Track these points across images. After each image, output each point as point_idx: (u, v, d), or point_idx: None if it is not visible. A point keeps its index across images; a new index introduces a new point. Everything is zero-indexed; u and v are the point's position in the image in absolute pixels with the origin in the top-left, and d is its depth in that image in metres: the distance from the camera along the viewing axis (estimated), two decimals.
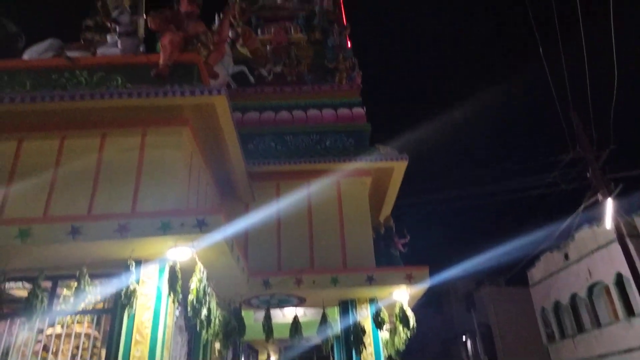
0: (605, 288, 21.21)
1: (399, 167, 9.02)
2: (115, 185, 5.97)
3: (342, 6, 13.78)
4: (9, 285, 5.69)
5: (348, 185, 8.95)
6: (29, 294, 5.02)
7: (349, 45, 12.08)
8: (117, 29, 7.08)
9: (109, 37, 7.48)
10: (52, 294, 5.44)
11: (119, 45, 7.07)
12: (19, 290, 5.88)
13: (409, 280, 7.55)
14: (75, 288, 5.05)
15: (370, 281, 7.49)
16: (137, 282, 5.25)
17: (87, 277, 5.13)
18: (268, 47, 11.35)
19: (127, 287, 5.07)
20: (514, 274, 25.24)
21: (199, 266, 5.43)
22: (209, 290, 5.54)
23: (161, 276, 5.35)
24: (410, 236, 9.61)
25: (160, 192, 5.90)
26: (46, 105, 6.00)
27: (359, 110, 10.21)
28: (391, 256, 8.79)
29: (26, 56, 7.10)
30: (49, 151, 6.19)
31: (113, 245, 5.14)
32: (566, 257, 23.40)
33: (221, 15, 11.24)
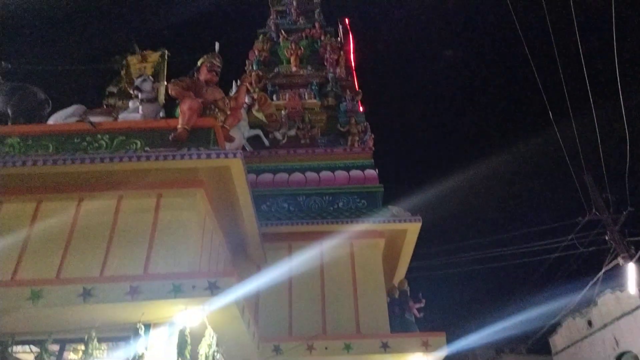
0: (635, 358, 20.03)
1: (413, 229, 8.95)
2: (129, 247, 5.98)
3: (354, 73, 14.35)
4: (16, 349, 5.58)
5: (361, 248, 8.85)
6: (35, 358, 4.91)
7: (361, 109, 12.44)
8: (139, 96, 7.40)
9: (130, 103, 7.80)
10: (59, 359, 5.32)
11: (140, 110, 7.36)
12: (25, 354, 5.76)
13: (426, 347, 7.27)
14: (83, 352, 4.94)
15: (385, 348, 7.21)
16: (145, 347, 5.12)
17: (95, 340, 5.03)
18: (283, 112, 11.72)
19: (135, 353, 4.94)
20: (536, 341, 24.08)
21: (209, 330, 5.31)
22: (218, 356, 5.37)
23: (170, 341, 5.22)
24: (426, 301, 9.34)
25: (173, 253, 5.90)
26: (66, 167, 6.17)
27: (372, 172, 10.32)
28: (406, 322, 8.50)
29: (51, 121, 7.42)
30: (66, 212, 6.28)
31: (123, 308, 5.07)
32: (589, 323, 22.35)
33: (238, 82, 11.79)
